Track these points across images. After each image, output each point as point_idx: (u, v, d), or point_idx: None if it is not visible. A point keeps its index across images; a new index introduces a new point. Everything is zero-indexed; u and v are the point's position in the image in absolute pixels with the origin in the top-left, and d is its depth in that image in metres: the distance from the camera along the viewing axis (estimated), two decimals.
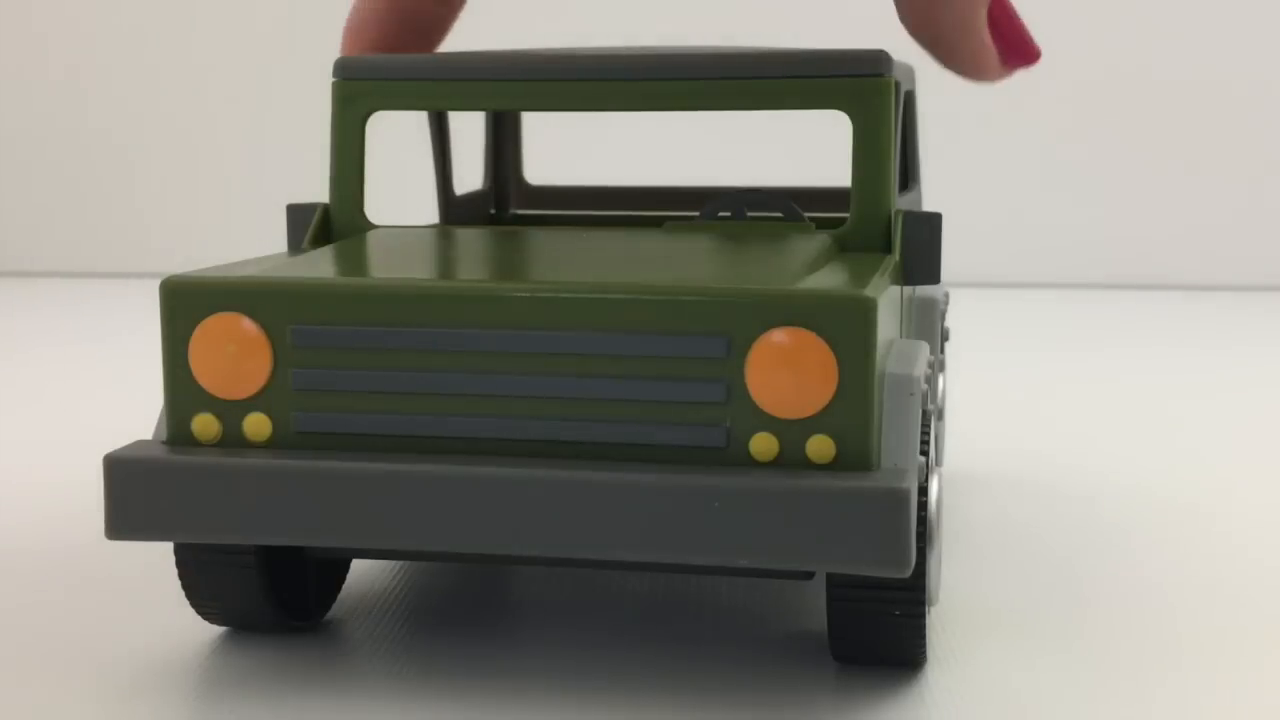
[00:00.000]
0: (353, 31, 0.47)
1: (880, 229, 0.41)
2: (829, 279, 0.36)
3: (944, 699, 0.37)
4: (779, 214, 0.47)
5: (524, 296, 0.35)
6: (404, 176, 1.19)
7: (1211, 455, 0.63)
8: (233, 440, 0.36)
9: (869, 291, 0.34)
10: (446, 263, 0.39)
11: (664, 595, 0.44)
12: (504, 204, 0.58)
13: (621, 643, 0.41)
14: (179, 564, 0.39)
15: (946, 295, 0.54)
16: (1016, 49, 0.45)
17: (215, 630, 0.41)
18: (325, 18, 1.23)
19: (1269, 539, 0.50)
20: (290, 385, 0.36)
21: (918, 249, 0.42)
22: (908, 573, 0.33)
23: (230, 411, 0.36)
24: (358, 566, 0.47)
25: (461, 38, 0.49)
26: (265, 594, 0.39)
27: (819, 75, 0.41)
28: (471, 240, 0.42)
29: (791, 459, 0.34)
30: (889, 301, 0.36)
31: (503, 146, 0.58)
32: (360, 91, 0.44)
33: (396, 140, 1.22)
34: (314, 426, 0.36)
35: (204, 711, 0.36)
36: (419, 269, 0.38)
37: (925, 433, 0.37)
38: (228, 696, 0.37)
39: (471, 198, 0.56)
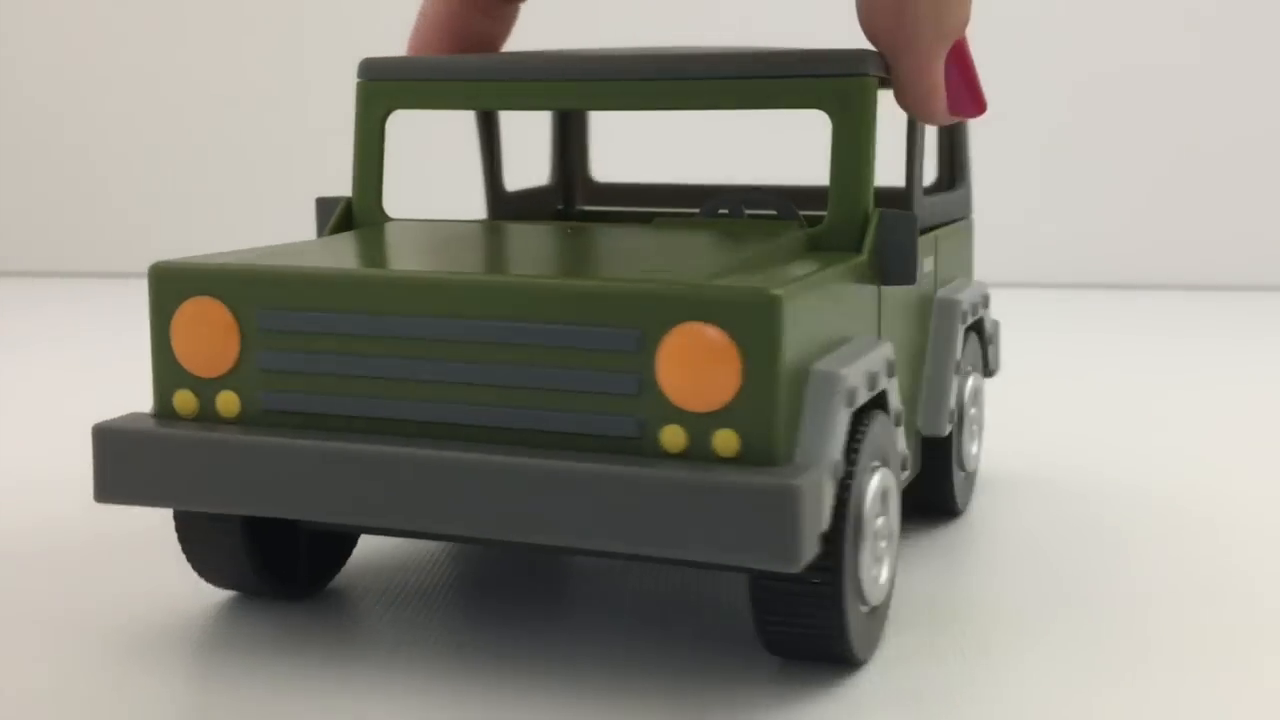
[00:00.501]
0: (413, 51, 0.49)
1: (857, 228, 0.41)
2: (747, 276, 0.36)
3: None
4: (774, 212, 0.47)
5: (452, 286, 0.37)
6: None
7: (1226, 458, 0.61)
8: (208, 415, 0.39)
9: (779, 289, 0.34)
10: (408, 254, 0.40)
11: (671, 584, 0.46)
12: (570, 200, 0.60)
13: (621, 626, 0.42)
14: (177, 528, 0.43)
15: (985, 297, 0.54)
16: (966, 98, 0.45)
17: (219, 596, 0.45)
18: (326, 17, 1.29)
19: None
20: (256, 366, 0.39)
21: (892, 249, 0.42)
22: (795, 568, 0.33)
23: (205, 389, 0.39)
24: (365, 541, 0.49)
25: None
26: (251, 560, 0.42)
27: (800, 75, 0.42)
28: (456, 234, 0.44)
29: (698, 451, 0.35)
30: (819, 300, 0.37)
31: (569, 143, 0.59)
32: (380, 91, 0.46)
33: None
34: (276, 405, 0.39)
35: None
36: (380, 259, 0.40)
37: (870, 430, 0.38)
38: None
39: (532, 193, 0.58)
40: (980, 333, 0.54)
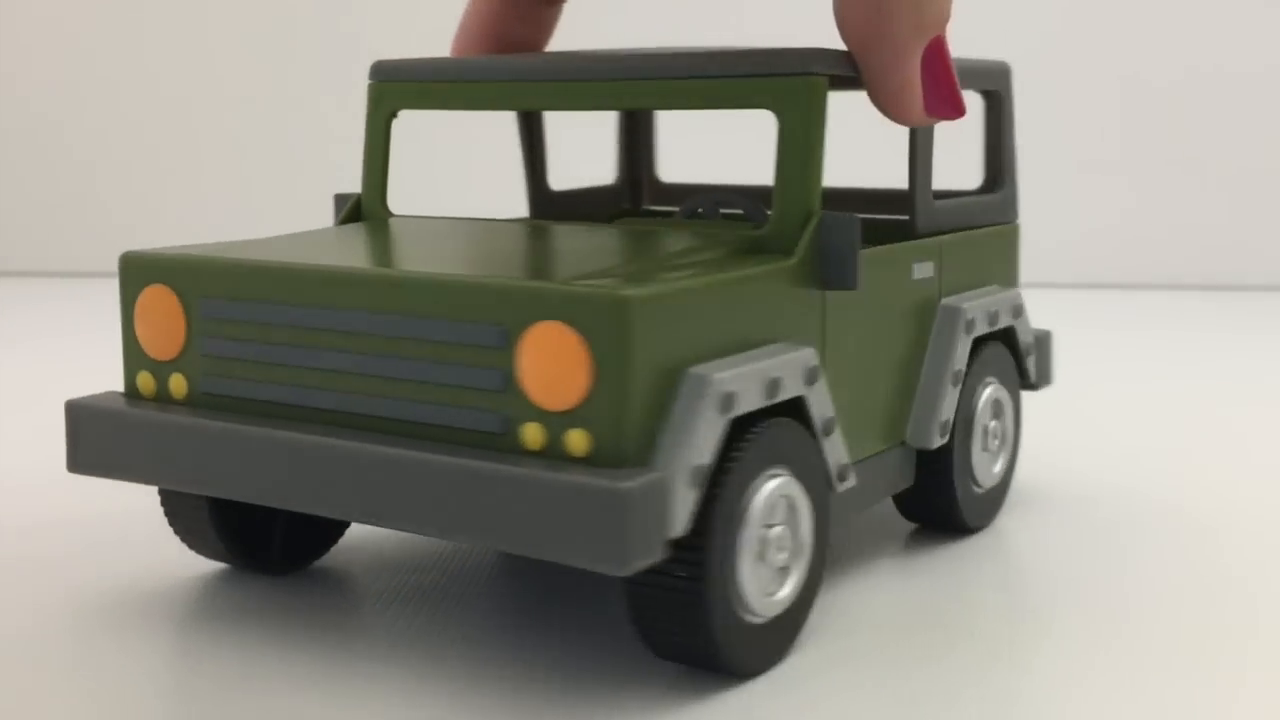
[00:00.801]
0: (456, 38, 0.51)
1: (800, 231, 0.40)
2: (615, 279, 0.36)
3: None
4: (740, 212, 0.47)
5: (341, 278, 0.38)
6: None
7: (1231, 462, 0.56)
8: (162, 396, 0.42)
9: (631, 292, 0.34)
10: (343, 249, 0.42)
11: None
12: (637, 199, 0.60)
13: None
14: (160, 499, 0.46)
15: (1016, 306, 0.51)
16: (943, 97, 0.43)
17: (211, 569, 0.47)
18: (326, 17, 1.28)
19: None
20: (198, 351, 0.41)
21: (831, 253, 0.41)
22: (623, 572, 0.33)
23: (161, 371, 0.42)
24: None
25: None
26: (218, 532, 0.45)
27: (745, 75, 0.41)
28: (419, 231, 0.45)
29: (554, 450, 0.35)
30: (700, 304, 0.36)
31: (637, 143, 0.60)
32: (386, 92, 0.48)
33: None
34: (213, 389, 0.41)
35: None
36: (313, 254, 0.41)
37: (763, 437, 0.37)
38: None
39: (590, 193, 0.58)
40: (1012, 343, 0.52)
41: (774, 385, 0.38)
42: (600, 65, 0.43)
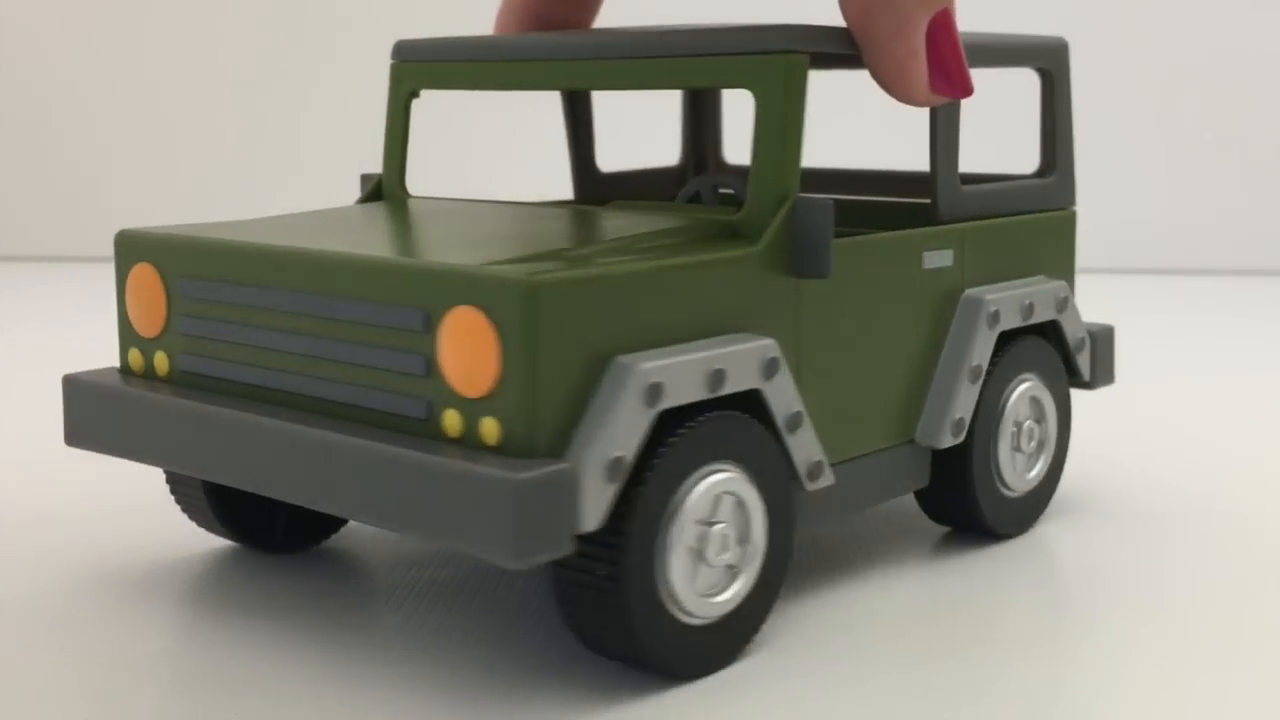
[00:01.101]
0: (498, 16, 0.51)
1: (779, 214, 0.39)
2: (532, 263, 0.35)
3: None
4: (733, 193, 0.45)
5: (283, 258, 0.38)
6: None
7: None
8: (148, 373, 0.42)
9: (544, 276, 0.33)
10: (309, 230, 0.42)
11: None
12: None
13: None
14: (165, 475, 0.46)
15: (1061, 299, 0.48)
16: (949, 74, 0.40)
17: (217, 547, 0.48)
18: (325, 7, 1.25)
19: None
20: (176, 329, 0.41)
21: (801, 239, 0.39)
22: (517, 565, 0.32)
23: (147, 348, 0.42)
24: None
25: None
26: (214, 509, 0.45)
27: (724, 52, 0.40)
28: (401, 211, 0.45)
29: (470, 438, 0.34)
30: (630, 291, 0.35)
31: (701, 125, 0.58)
32: (405, 73, 0.48)
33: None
34: (187, 366, 0.41)
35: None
36: (277, 234, 0.41)
37: (700, 431, 0.35)
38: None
39: (651, 174, 0.57)
40: (1059, 338, 0.48)
41: (717, 377, 0.36)
42: (582, 44, 0.42)
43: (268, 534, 0.46)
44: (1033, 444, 0.47)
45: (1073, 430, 0.62)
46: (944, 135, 0.44)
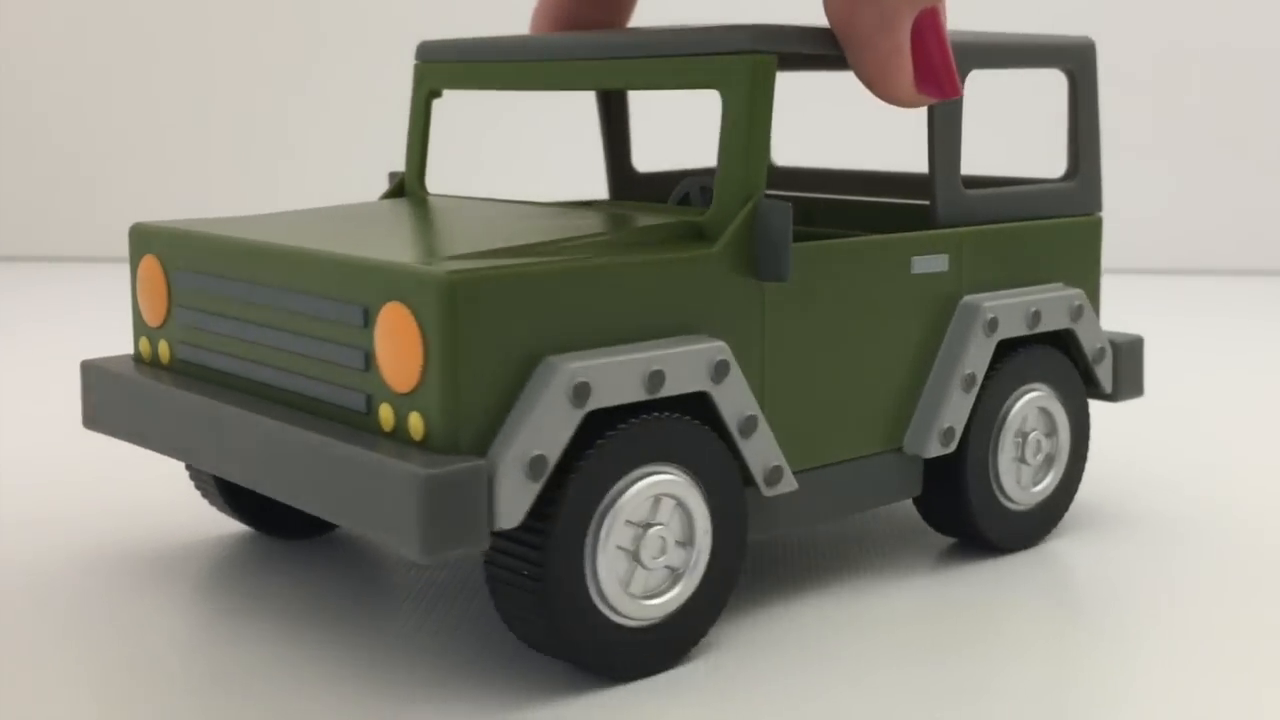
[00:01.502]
0: (532, 18, 0.51)
1: (739, 216, 0.38)
2: (463, 259, 0.35)
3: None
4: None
5: (242, 251, 0.39)
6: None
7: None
8: (154, 361, 0.44)
9: (464, 273, 0.33)
10: (290, 225, 0.43)
11: None
12: None
13: None
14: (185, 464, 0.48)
15: (1075, 308, 0.46)
16: (935, 74, 0.39)
17: (233, 530, 0.50)
18: (330, 7, 1.23)
19: None
20: (175, 319, 0.43)
21: (763, 242, 0.38)
22: (424, 559, 0.32)
23: (153, 336, 0.44)
24: None
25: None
26: (224, 498, 0.47)
27: (691, 53, 0.39)
28: (399, 208, 0.45)
29: (401, 432, 0.35)
30: (560, 290, 0.35)
31: None
32: (425, 73, 0.49)
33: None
34: (182, 355, 0.43)
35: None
36: (256, 229, 0.42)
37: (631, 433, 0.35)
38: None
39: (692, 175, 0.57)
40: (1075, 348, 0.47)
41: (655, 379, 0.36)
42: (562, 46, 0.42)
43: (279, 520, 0.48)
44: (1040, 456, 0.46)
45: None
46: (943, 136, 0.43)
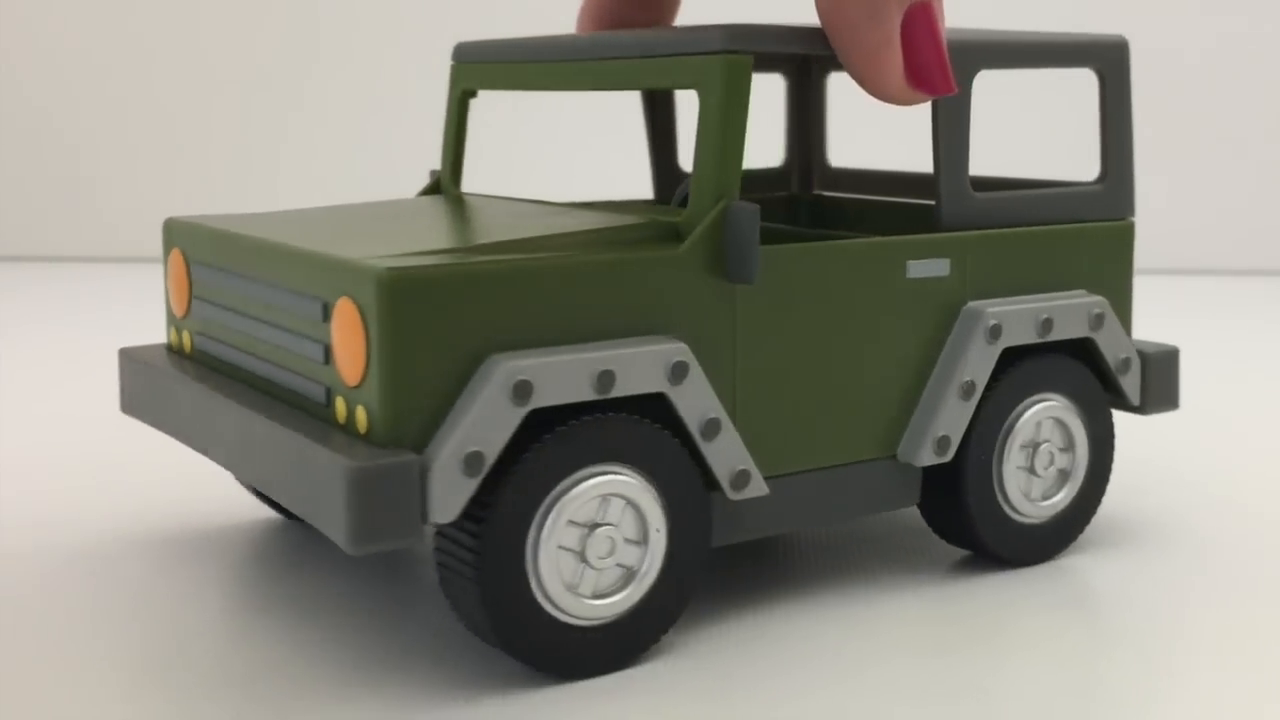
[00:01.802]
0: (578, 18, 0.52)
1: (708, 217, 0.38)
2: (422, 256, 0.36)
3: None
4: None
5: (236, 244, 0.40)
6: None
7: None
8: (179, 350, 0.46)
9: (401, 269, 0.34)
10: (292, 223, 0.44)
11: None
12: (807, 184, 0.58)
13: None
14: None
15: (1095, 316, 0.44)
16: (927, 70, 0.38)
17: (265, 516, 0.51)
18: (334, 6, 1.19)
19: None
20: (193, 311, 0.45)
21: (729, 244, 0.38)
22: (354, 550, 0.33)
23: (180, 326, 0.46)
24: None
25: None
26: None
27: (670, 54, 0.39)
28: (410, 206, 0.46)
29: (350, 425, 0.36)
30: (507, 287, 0.35)
31: (805, 124, 0.57)
32: (460, 74, 0.49)
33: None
34: (198, 344, 0.44)
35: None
36: (260, 225, 0.43)
37: (579, 432, 0.36)
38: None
39: (749, 176, 0.57)
40: (1095, 357, 0.45)
41: (605, 379, 0.36)
42: (572, 48, 0.43)
43: None
44: (1052, 468, 0.44)
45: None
46: (948, 136, 0.42)
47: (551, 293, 0.36)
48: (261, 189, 1.27)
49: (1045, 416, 0.44)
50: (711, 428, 0.38)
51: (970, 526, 0.43)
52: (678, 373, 0.37)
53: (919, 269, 0.42)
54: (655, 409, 0.38)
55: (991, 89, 1.18)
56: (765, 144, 1.20)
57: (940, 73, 0.39)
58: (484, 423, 0.34)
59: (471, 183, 1.25)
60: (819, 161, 0.57)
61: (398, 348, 0.34)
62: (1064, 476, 0.45)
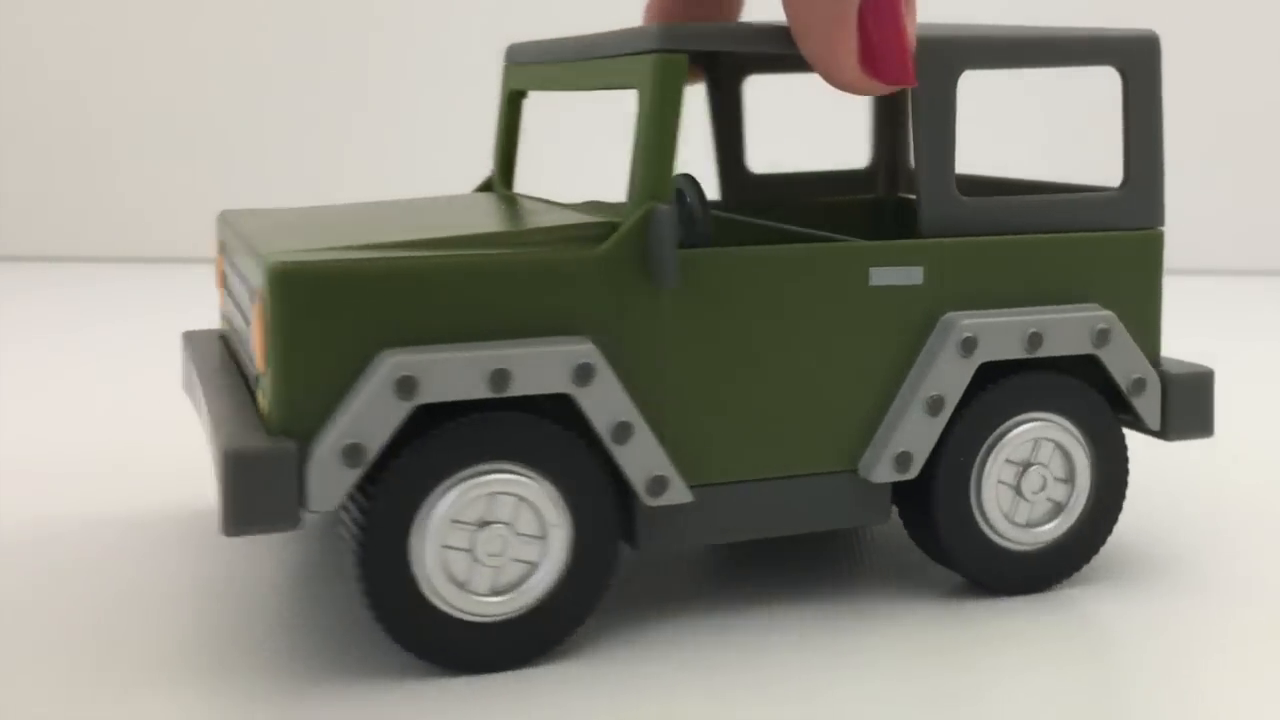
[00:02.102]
0: (642, 18, 0.53)
1: (631, 219, 0.38)
2: (334, 251, 0.37)
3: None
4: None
5: (234, 239, 0.42)
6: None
7: None
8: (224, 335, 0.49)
9: (291, 264, 0.35)
10: (304, 218, 0.45)
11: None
12: (893, 185, 0.56)
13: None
14: None
15: (1099, 331, 0.41)
16: (882, 58, 0.36)
17: None
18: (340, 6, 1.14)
19: None
20: (224, 298, 0.48)
21: (650, 245, 0.37)
22: (229, 534, 0.35)
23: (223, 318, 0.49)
24: None
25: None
26: None
27: (612, 54, 0.39)
28: (431, 205, 0.47)
29: (263, 413, 0.37)
30: (407, 283, 0.36)
31: (892, 124, 0.55)
32: (510, 74, 0.50)
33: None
34: (224, 330, 0.47)
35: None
36: (283, 219, 0.46)
37: (469, 430, 0.36)
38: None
39: (828, 176, 0.55)
40: (1106, 376, 0.42)
41: (499, 378, 0.36)
42: (561, 50, 0.43)
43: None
44: (1042, 494, 0.41)
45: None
46: (928, 135, 0.40)
47: (450, 291, 0.37)
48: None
49: (1038, 437, 0.41)
50: (622, 431, 0.37)
51: (944, 550, 0.41)
52: (582, 374, 0.37)
53: (883, 276, 0.40)
54: (573, 411, 0.38)
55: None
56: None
57: (896, 61, 0.37)
58: (366, 416, 0.35)
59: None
60: (904, 163, 0.55)
61: (289, 338, 0.36)
62: (1062, 505, 0.42)
